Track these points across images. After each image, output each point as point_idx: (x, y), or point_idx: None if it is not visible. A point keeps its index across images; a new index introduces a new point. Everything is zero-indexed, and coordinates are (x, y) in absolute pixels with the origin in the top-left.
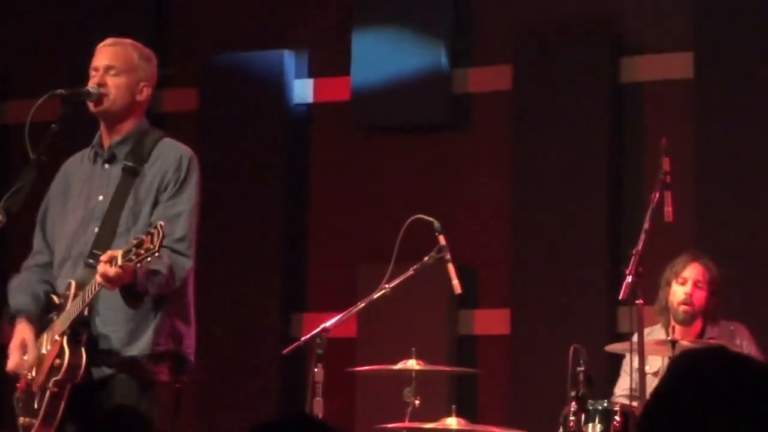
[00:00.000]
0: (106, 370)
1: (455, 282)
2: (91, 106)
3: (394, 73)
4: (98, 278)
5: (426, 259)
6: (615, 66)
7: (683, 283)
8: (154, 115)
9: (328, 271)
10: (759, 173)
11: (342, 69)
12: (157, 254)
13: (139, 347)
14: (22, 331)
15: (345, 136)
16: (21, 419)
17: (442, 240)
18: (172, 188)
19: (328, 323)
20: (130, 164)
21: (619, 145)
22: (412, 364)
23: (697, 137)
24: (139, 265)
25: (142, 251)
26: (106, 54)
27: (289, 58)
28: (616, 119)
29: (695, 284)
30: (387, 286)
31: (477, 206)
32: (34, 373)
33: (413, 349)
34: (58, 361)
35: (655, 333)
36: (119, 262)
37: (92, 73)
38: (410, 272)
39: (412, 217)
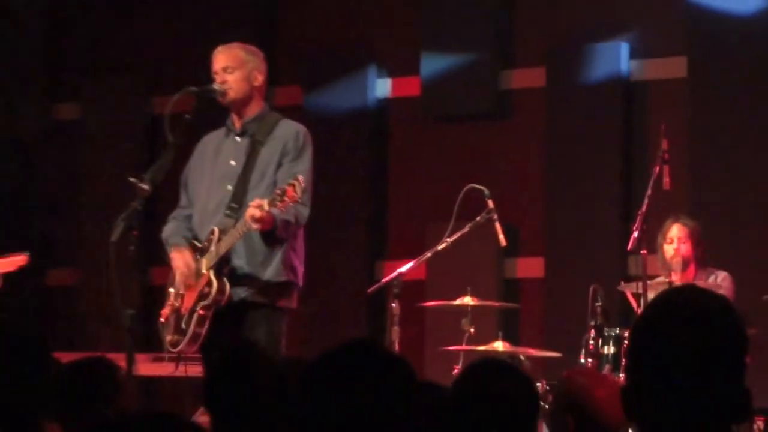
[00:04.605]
0: (243, 293)
1: (501, 236)
2: (220, 100)
3: (455, 73)
4: (247, 218)
5: (478, 218)
6: (626, 67)
7: (671, 242)
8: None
9: (404, 228)
10: (744, 149)
11: (414, 70)
12: (300, 202)
13: (269, 274)
14: (186, 254)
15: (417, 124)
16: (169, 338)
17: (490, 204)
18: (292, 154)
19: (403, 268)
20: (257, 137)
21: (629, 130)
22: (468, 300)
23: (690, 124)
24: (284, 209)
25: (287, 199)
26: (219, 59)
27: (370, 63)
28: (627, 110)
29: (679, 240)
30: (448, 239)
31: (518, 177)
32: (181, 295)
33: (469, 288)
34: (207, 289)
35: (661, 280)
36: (266, 207)
37: (214, 76)
38: (466, 229)
39: (468, 186)
